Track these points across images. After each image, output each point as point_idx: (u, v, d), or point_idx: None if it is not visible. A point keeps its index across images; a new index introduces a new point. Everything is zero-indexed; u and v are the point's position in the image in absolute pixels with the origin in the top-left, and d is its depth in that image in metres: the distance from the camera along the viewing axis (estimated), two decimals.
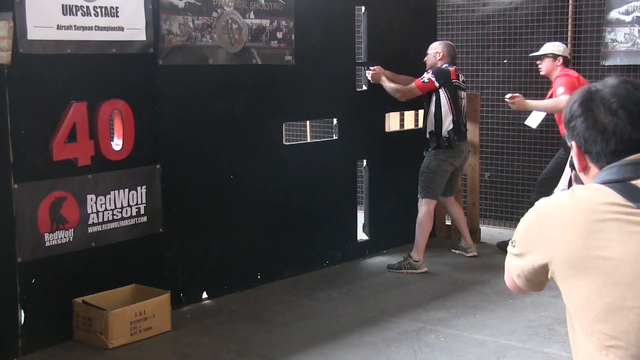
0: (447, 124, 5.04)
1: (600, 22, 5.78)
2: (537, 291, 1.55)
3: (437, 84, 5.00)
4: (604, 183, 1.40)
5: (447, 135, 5.04)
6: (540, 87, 5.91)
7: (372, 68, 5.21)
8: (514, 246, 1.50)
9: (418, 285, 4.79)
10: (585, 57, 5.88)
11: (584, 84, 4.90)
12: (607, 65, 5.75)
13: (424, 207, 5.06)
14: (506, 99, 5.30)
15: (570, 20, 5.93)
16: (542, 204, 1.45)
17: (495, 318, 4.14)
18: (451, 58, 5.20)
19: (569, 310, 1.43)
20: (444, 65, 5.12)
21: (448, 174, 5.17)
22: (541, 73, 5.31)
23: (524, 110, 5.41)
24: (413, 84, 5.08)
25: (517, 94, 5.26)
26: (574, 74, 5.20)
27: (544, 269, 1.42)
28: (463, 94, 5.19)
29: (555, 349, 3.69)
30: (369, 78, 5.24)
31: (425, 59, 5.26)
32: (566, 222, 1.38)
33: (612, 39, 5.72)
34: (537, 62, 5.30)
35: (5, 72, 3.45)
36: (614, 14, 5.70)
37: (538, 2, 6.06)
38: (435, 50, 5.21)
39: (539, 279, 1.46)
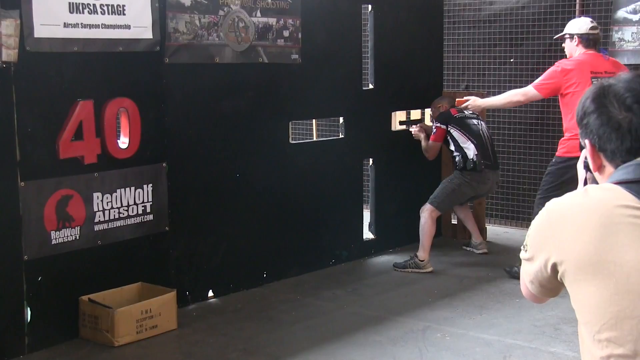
0: (472, 150, 5.10)
1: (607, 22, 5.75)
2: (553, 297, 1.49)
3: (444, 127, 5.19)
4: (619, 183, 1.35)
5: (474, 159, 5.09)
6: None
7: (416, 127, 5.48)
8: (525, 251, 1.45)
9: (424, 284, 4.78)
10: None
11: (577, 77, 4.46)
12: None
13: (426, 214, 5.05)
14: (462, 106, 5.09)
15: None
16: (553, 204, 1.41)
17: (501, 317, 4.13)
18: (450, 106, 5.34)
19: (577, 315, 1.39)
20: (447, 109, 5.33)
21: (466, 197, 5.24)
22: (567, 56, 4.77)
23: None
24: (430, 141, 5.32)
25: (468, 97, 5.05)
26: (583, 59, 4.56)
27: (554, 271, 1.38)
28: (475, 121, 5.21)
29: (561, 349, 3.67)
30: (413, 133, 5.48)
31: (431, 115, 5.55)
32: (578, 223, 1.33)
33: (619, 38, 5.69)
34: (562, 45, 4.82)
35: (12, 70, 3.45)
36: (621, 13, 5.67)
37: (545, 1, 6.04)
38: (438, 104, 5.42)
39: (553, 283, 1.42)
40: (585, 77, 4.51)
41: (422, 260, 5.03)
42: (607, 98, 1.40)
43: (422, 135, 5.40)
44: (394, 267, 5.10)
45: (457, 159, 5.17)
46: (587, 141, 1.44)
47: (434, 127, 5.28)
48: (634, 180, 1.34)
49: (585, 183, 1.59)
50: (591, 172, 1.51)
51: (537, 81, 4.66)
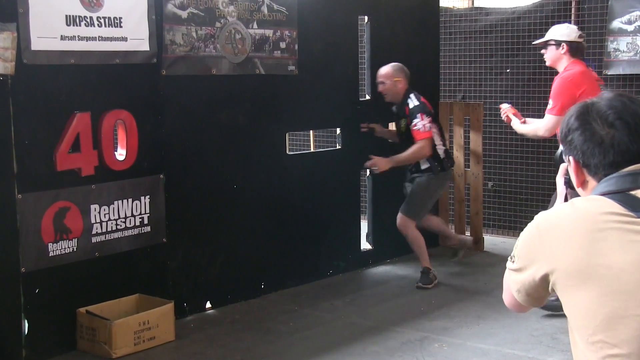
0: (441, 149, 4.92)
1: (602, 32, 5.79)
2: (538, 306, 1.55)
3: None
4: (603, 194, 1.40)
5: (444, 157, 4.91)
6: (544, 97, 5.89)
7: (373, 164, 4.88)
8: (513, 261, 1.50)
9: (421, 295, 4.78)
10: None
11: (588, 85, 4.14)
12: (610, 75, 5.75)
13: (410, 229, 4.90)
14: (503, 109, 4.71)
15: None
16: (541, 216, 1.46)
17: (498, 327, 4.12)
18: (409, 81, 4.95)
19: (569, 321, 1.42)
20: (414, 96, 4.85)
21: (435, 200, 5.15)
22: (547, 64, 4.46)
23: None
24: (422, 140, 4.74)
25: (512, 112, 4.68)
26: (580, 68, 4.27)
27: (544, 281, 1.42)
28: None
29: (558, 358, 3.67)
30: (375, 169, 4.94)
31: (382, 89, 4.91)
32: (567, 232, 1.38)
33: (614, 49, 5.72)
34: (542, 52, 4.45)
35: (9, 82, 3.47)
36: (616, 24, 5.71)
37: (540, 11, 6.07)
38: (395, 78, 4.86)
39: (540, 293, 1.46)
40: (594, 86, 4.17)
41: (431, 269, 4.93)
42: (590, 115, 1.46)
43: (388, 164, 4.87)
44: (419, 287, 4.82)
45: (425, 162, 4.87)
46: (571, 157, 1.49)
47: (425, 124, 4.75)
48: (617, 191, 1.39)
49: (566, 199, 1.65)
50: (572, 188, 1.57)
51: (550, 106, 4.21)
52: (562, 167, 1.68)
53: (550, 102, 4.21)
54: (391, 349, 3.82)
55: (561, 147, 1.73)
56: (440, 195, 5.16)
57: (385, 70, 4.91)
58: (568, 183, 1.62)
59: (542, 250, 1.41)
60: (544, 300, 1.50)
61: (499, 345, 3.86)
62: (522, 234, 1.48)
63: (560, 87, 4.17)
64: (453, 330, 4.08)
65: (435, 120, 4.97)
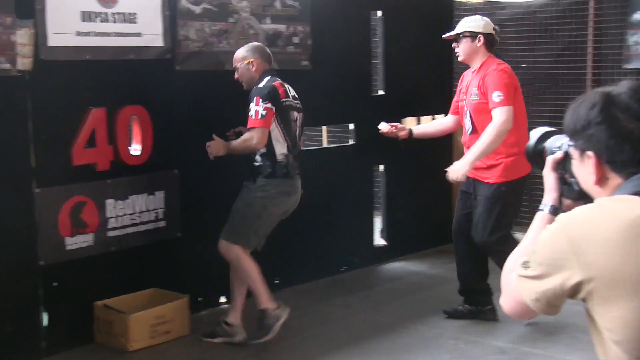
0: (280, 149, 3.76)
1: (622, 25, 5.72)
2: (553, 315, 1.42)
3: (273, 108, 3.69)
4: (635, 194, 1.30)
5: (285, 160, 3.76)
6: (561, 91, 5.84)
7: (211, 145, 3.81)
8: (527, 267, 1.36)
9: (436, 292, 4.76)
10: (607, 60, 5.83)
11: (516, 83, 3.89)
12: (630, 69, 5.68)
13: (234, 255, 3.79)
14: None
15: (591, 22, 5.87)
16: (567, 219, 1.33)
17: (516, 324, 4.09)
18: (268, 64, 3.88)
19: (603, 334, 1.31)
20: (266, 80, 3.77)
21: (277, 219, 3.90)
22: (459, 59, 4.04)
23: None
24: (251, 130, 3.66)
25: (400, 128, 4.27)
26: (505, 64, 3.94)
27: (574, 289, 1.30)
28: (296, 115, 3.85)
29: (577, 357, 3.64)
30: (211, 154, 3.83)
31: (237, 76, 3.88)
32: (604, 236, 1.27)
33: (635, 42, 5.65)
34: (453, 46, 4.03)
35: (27, 78, 3.49)
36: (637, 16, 5.64)
37: (558, 4, 6.02)
38: (246, 60, 3.82)
39: (561, 301, 1.35)
40: (517, 85, 3.90)
41: (232, 325, 3.84)
42: (616, 107, 1.35)
43: (223, 149, 3.80)
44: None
45: (258, 159, 3.76)
46: (591, 153, 1.37)
47: (260, 108, 3.64)
48: None
49: (560, 197, 1.51)
50: (565, 184, 1.48)
51: (501, 98, 3.77)
52: (552, 160, 1.53)
53: (500, 93, 3.77)
54: (406, 346, 3.81)
55: (533, 140, 1.61)
56: (279, 213, 3.88)
57: (237, 53, 3.90)
58: (562, 179, 1.49)
59: (575, 256, 1.28)
60: (560, 309, 1.39)
61: (516, 343, 3.84)
62: (542, 237, 1.35)
63: (504, 78, 3.81)
64: (469, 328, 4.06)
65: (283, 114, 3.76)
